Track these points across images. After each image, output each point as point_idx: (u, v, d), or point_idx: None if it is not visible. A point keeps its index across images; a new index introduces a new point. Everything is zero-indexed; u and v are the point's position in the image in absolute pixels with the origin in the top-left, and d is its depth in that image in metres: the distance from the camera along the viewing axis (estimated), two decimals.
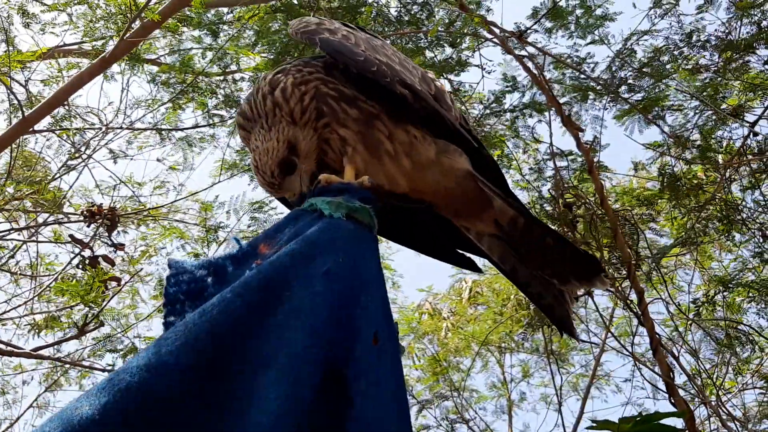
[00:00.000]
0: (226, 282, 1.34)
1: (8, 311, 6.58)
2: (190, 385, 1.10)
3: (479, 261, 2.31)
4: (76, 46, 7.49)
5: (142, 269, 7.38)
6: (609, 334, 7.41)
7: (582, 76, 5.94)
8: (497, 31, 5.31)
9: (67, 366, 7.88)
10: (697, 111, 5.83)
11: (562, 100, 5.81)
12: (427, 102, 1.85)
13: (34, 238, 7.04)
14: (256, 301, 1.21)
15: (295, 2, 6.19)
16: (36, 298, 6.71)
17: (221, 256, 1.40)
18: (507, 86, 6.04)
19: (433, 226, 2.08)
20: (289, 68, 1.85)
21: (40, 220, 7.05)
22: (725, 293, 6.01)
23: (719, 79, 5.74)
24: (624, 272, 4.78)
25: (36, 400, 8.11)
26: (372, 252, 1.49)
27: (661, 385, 4.56)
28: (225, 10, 6.92)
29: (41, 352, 5.83)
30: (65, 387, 8.47)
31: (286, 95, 1.77)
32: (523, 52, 5.51)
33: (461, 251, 2.18)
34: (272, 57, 6.13)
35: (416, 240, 2.17)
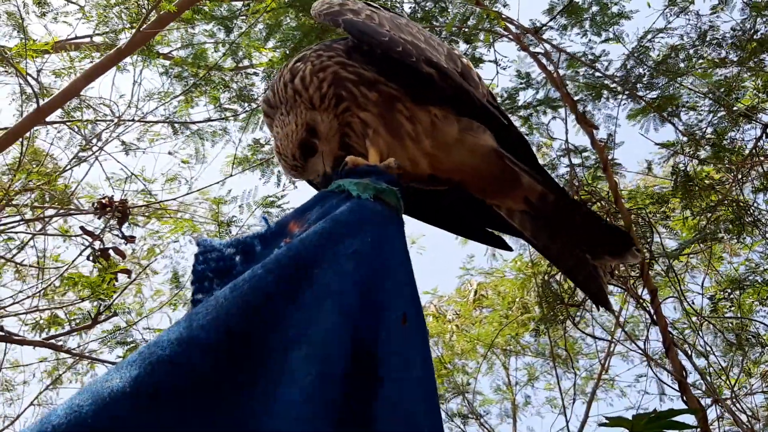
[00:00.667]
0: (254, 261, 1.34)
1: (13, 304, 6.57)
2: (220, 360, 1.10)
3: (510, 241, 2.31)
4: (87, 39, 7.51)
5: (156, 260, 7.39)
6: (619, 334, 7.37)
7: (596, 73, 5.92)
8: (513, 27, 5.29)
9: (71, 362, 7.88)
10: (711, 110, 5.80)
11: (575, 98, 5.79)
12: (454, 80, 1.84)
13: (43, 232, 7.04)
14: (286, 277, 1.21)
15: None
16: (42, 294, 6.71)
17: (249, 235, 1.40)
18: (521, 83, 6.03)
19: (461, 205, 2.07)
20: (308, 54, 1.85)
21: (49, 213, 7.05)
22: (739, 292, 5.99)
23: (738, 72, 5.71)
24: (637, 270, 4.75)
25: (37, 397, 8.11)
26: (399, 233, 1.49)
27: (671, 385, 4.54)
28: (239, 4, 6.93)
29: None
30: (68, 384, 8.49)
31: (306, 83, 1.78)
32: (539, 49, 5.49)
33: (490, 229, 2.18)
34: (288, 52, 6.12)
35: (444, 219, 2.16)
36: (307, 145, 1.77)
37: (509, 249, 2.38)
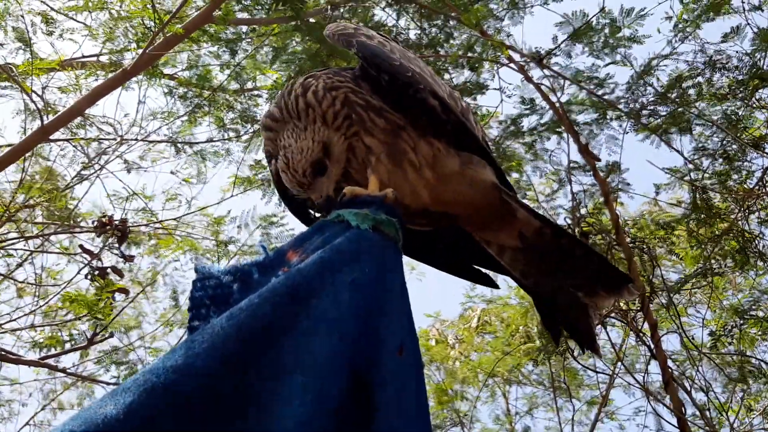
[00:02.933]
0: (251, 289, 1.33)
1: (11, 321, 6.53)
2: (216, 388, 1.09)
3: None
4: (94, 58, 7.54)
5: (156, 280, 7.36)
6: (619, 367, 7.31)
7: (601, 96, 5.92)
8: (517, 56, 5.31)
9: (69, 382, 7.82)
10: (719, 138, 5.80)
11: (580, 118, 5.81)
12: (457, 116, 1.85)
13: (42, 249, 7.02)
14: (283, 307, 1.21)
15: (312, 21, 6.22)
16: (40, 311, 6.67)
17: (248, 263, 1.40)
18: (525, 109, 6.05)
19: (452, 242, 2.06)
20: (319, 74, 1.86)
21: (48, 230, 7.03)
22: (742, 324, 5.94)
23: (745, 104, 5.71)
24: (638, 304, 4.73)
25: (33, 417, 8.05)
26: (397, 264, 1.49)
27: (669, 421, 4.50)
28: (244, 28, 6.98)
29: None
30: (65, 405, 8.42)
31: (318, 98, 1.78)
32: (544, 76, 5.51)
33: (478, 267, 2.15)
34: (292, 75, 6.14)
35: (431, 255, 2.14)
36: (320, 163, 1.76)
37: (496, 287, 2.36)
